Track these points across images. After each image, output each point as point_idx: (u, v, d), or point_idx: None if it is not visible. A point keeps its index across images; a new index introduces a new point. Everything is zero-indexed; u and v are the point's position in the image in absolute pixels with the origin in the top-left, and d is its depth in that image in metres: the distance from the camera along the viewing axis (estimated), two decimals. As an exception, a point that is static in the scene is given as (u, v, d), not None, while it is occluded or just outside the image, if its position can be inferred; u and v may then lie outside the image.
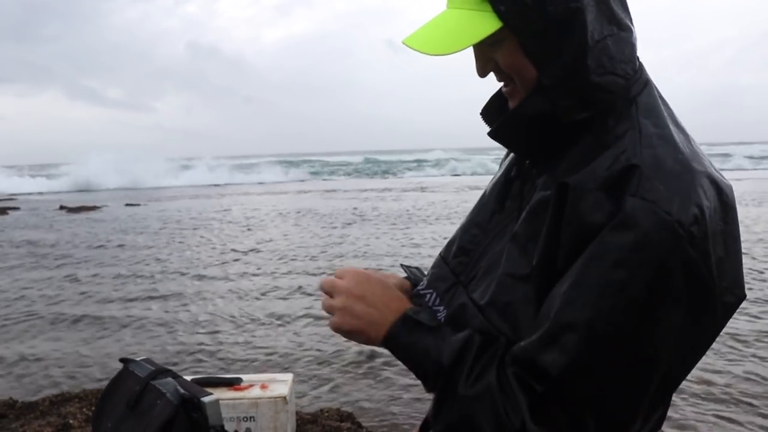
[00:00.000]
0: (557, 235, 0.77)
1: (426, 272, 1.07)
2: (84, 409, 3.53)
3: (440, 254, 1.02)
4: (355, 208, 15.19)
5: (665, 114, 0.81)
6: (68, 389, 4.08)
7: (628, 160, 0.74)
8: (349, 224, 12.21)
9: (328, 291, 0.93)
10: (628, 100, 0.81)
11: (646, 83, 0.84)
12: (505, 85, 0.88)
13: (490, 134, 0.89)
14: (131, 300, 6.66)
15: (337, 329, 0.91)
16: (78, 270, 8.34)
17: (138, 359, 1.66)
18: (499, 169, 1.05)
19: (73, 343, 5.31)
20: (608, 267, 0.71)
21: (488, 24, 0.78)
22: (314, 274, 7.59)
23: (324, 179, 31.76)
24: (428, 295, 0.96)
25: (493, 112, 0.93)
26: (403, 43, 0.81)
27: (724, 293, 0.75)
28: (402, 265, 1.14)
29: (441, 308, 0.93)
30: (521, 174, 0.92)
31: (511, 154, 0.99)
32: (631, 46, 0.82)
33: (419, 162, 41.15)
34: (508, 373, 0.76)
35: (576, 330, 0.71)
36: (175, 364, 4.62)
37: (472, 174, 31.47)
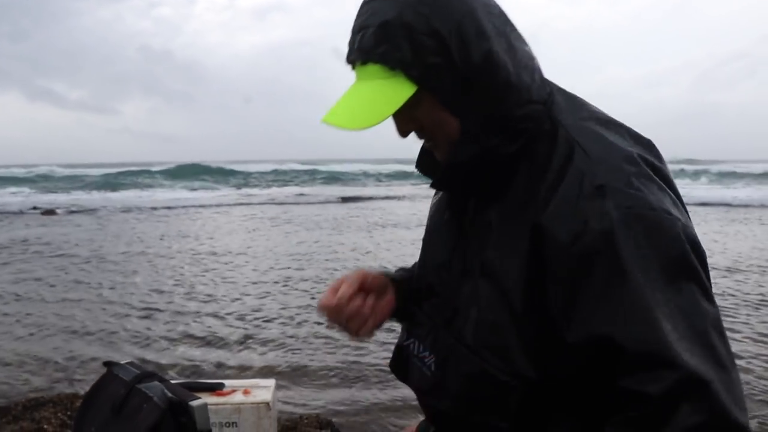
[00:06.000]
0: (542, 271, 0.78)
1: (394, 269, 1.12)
2: (59, 414, 3.46)
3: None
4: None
5: (591, 124, 0.85)
6: (42, 393, 3.99)
7: (592, 182, 0.77)
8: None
9: None
10: (552, 122, 0.84)
11: (560, 100, 0.88)
12: (426, 141, 0.90)
13: (433, 186, 0.93)
14: (108, 302, 6.55)
15: None
16: (51, 271, 8.18)
17: (122, 362, 1.63)
18: (435, 199, 1.08)
19: (47, 345, 5.20)
20: (641, 280, 0.72)
21: (403, 90, 0.80)
22: (306, 279, 7.55)
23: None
24: (411, 345, 0.98)
25: (428, 163, 0.97)
26: (323, 121, 0.82)
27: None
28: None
29: (426, 354, 0.94)
30: (468, 209, 0.94)
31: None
32: (538, 71, 0.86)
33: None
34: None
35: (688, 339, 0.71)
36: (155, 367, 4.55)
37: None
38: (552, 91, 0.88)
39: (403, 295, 1.05)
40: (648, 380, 0.71)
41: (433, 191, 1.07)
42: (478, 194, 0.91)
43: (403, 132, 0.88)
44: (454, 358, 0.88)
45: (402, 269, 1.15)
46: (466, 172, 0.86)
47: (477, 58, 0.79)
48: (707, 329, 0.73)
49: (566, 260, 0.76)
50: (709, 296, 0.75)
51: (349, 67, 0.86)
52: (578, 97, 0.91)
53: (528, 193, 0.82)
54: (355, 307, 0.96)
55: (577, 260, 0.75)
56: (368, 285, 0.99)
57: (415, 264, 1.17)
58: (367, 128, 0.80)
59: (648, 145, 0.86)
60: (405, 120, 0.86)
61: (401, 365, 1.03)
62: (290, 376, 4.49)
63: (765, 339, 5.17)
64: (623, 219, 0.74)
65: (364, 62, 0.82)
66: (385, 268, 1.16)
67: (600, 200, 0.75)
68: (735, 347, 3.83)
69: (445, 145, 0.86)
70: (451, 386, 0.89)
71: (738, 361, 4.03)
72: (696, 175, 32.85)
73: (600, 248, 0.74)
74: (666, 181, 0.81)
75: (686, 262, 0.75)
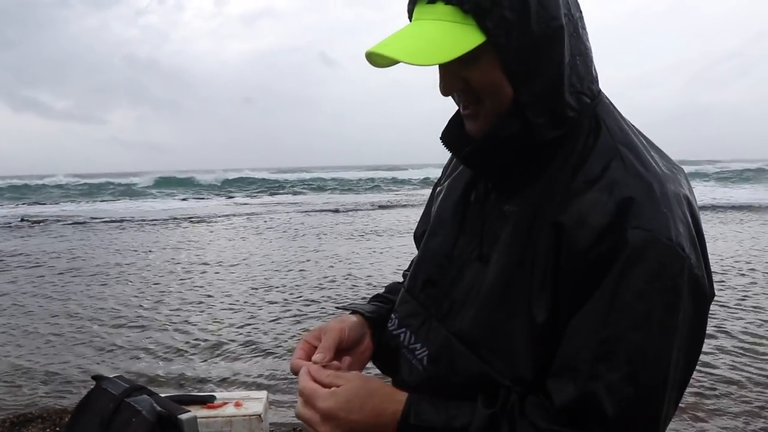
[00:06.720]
0: (556, 271, 0.77)
1: (367, 303, 1.05)
2: (47, 430, 3.42)
3: (404, 288, 0.99)
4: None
5: (635, 138, 0.83)
6: (30, 409, 3.93)
7: (622, 193, 0.75)
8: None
9: (308, 400, 0.81)
10: (596, 121, 0.82)
11: (607, 102, 0.86)
12: (465, 107, 0.85)
13: (461, 160, 0.88)
14: (98, 316, 6.49)
15: None
16: (35, 284, 8.10)
17: (111, 376, 1.62)
18: (440, 186, 1.03)
19: (34, 361, 5.13)
20: (631, 301, 0.72)
21: (472, 37, 0.75)
22: (287, 283, 7.51)
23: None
24: (402, 335, 0.94)
25: (455, 136, 0.90)
26: (371, 52, 0.76)
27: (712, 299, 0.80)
28: (339, 308, 1.12)
29: (418, 345, 0.90)
30: (479, 196, 0.91)
31: (458, 170, 0.98)
32: (593, 65, 0.84)
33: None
34: None
35: (619, 369, 0.72)
36: (144, 381, 4.50)
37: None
38: (600, 90, 0.86)
39: (379, 333, 1.01)
40: (557, 388, 0.75)
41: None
42: (502, 179, 0.87)
43: (448, 89, 0.83)
44: (449, 354, 0.84)
45: (378, 297, 1.10)
46: (502, 149, 0.82)
47: (551, 29, 0.76)
48: (650, 381, 0.73)
49: (580, 264, 0.75)
50: (663, 352, 0.73)
51: (407, 8, 0.81)
52: (615, 106, 0.89)
53: (554, 187, 0.80)
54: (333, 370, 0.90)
55: (589, 265, 0.74)
56: (344, 342, 0.94)
57: (392, 285, 1.14)
58: (426, 65, 0.74)
59: (679, 170, 0.85)
60: (455, 75, 0.80)
61: (388, 356, 0.97)
62: (283, 387, 4.46)
63: (747, 345, 5.21)
64: (640, 240, 0.72)
65: (433, 0, 0.77)
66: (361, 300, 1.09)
67: (624, 213, 0.74)
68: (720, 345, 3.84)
69: (490, 112, 0.81)
70: (445, 384, 0.85)
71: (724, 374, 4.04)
72: (691, 176, 33.12)
73: (607, 262, 0.73)
74: (693, 217, 0.79)
75: (671, 310, 0.74)
